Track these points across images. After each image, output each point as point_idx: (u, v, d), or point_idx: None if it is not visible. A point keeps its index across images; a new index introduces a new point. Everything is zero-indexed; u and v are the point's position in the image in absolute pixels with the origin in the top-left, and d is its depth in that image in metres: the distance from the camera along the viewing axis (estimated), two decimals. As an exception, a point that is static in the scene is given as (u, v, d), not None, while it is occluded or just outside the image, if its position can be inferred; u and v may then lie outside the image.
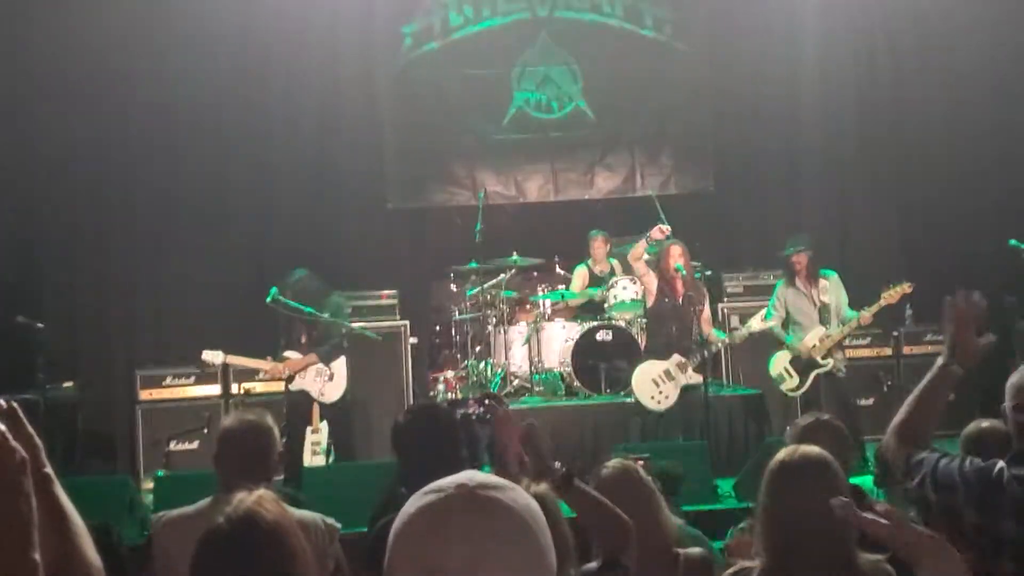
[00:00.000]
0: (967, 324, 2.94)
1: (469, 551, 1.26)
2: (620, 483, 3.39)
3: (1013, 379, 2.82)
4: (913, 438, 2.95)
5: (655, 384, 8.15)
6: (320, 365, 8.05)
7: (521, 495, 1.35)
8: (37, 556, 1.41)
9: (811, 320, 8.23)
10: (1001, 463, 2.77)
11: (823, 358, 8.14)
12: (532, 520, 1.32)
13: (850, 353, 8.89)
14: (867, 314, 7.98)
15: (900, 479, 2.97)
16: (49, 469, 1.49)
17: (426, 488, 1.35)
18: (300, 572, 2.17)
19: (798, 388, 8.23)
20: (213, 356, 8.16)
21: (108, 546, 3.62)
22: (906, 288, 7.93)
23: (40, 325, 8.34)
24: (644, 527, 3.11)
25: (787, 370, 8.25)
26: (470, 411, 3.70)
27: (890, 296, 7.95)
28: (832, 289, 8.30)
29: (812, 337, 8.15)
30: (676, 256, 8.21)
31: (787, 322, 8.37)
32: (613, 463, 3.55)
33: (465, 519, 1.28)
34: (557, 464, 2.93)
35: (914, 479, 2.90)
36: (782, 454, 2.82)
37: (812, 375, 8.18)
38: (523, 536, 1.30)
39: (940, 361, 2.92)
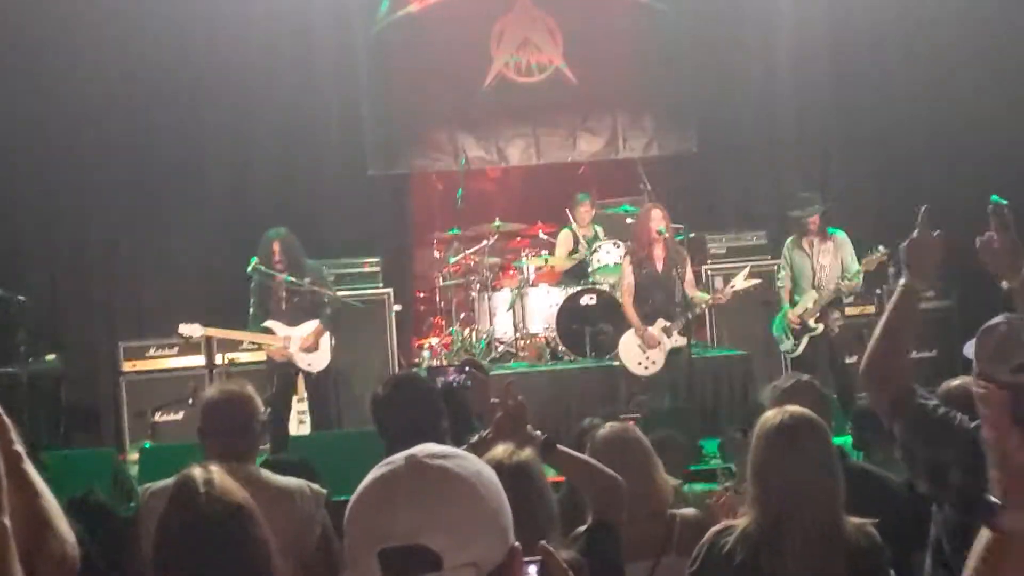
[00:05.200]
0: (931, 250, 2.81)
1: (415, 516, 1.31)
2: (615, 444, 3.42)
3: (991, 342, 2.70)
4: (886, 373, 2.73)
5: (641, 350, 8.17)
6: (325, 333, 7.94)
7: (471, 462, 1.40)
8: (6, 519, 1.39)
9: (809, 282, 8.21)
10: None
11: (815, 321, 8.12)
12: (480, 484, 1.37)
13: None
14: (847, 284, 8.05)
15: (886, 416, 2.71)
16: (19, 447, 1.46)
17: (380, 463, 1.40)
18: (261, 560, 2.16)
19: (792, 351, 8.29)
20: (190, 329, 7.99)
21: (96, 509, 3.62)
22: (881, 257, 7.82)
23: (21, 298, 8.28)
24: (638, 488, 3.13)
25: (786, 332, 8.31)
26: (450, 379, 3.70)
27: (868, 264, 7.94)
28: (836, 249, 8.21)
29: (800, 305, 8.16)
30: (658, 220, 8.18)
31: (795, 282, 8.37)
32: (611, 424, 3.57)
33: (412, 486, 1.34)
34: (537, 432, 2.93)
35: (905, 416, 2.67)
36: (773, 416, 2.81)
37: (805, 339, 8.20)
38: (470, 500, 1.35)
39: (901, 282, 2.76)
